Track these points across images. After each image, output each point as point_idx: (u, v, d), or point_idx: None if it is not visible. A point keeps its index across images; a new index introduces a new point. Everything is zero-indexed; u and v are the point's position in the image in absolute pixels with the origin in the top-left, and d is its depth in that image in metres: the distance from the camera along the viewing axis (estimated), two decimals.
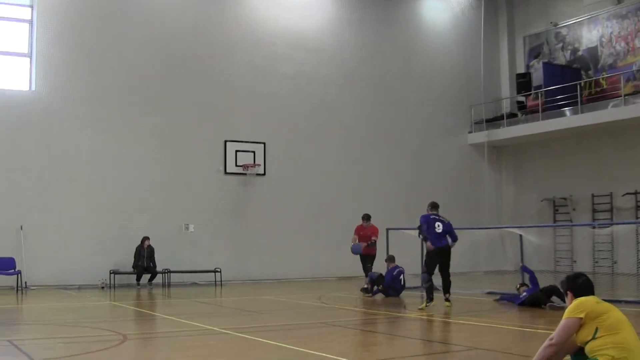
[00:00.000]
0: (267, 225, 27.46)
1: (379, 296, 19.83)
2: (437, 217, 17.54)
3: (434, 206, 17.96)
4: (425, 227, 17.43)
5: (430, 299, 16.88)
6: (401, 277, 20.00)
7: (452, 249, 17.56)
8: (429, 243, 17.24)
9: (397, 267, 20.16)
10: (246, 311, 16.89)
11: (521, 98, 32.69)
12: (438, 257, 17.22)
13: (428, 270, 17.33)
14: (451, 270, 17.34)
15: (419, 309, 16.56)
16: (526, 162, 33.13)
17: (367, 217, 21.39)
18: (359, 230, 21.23)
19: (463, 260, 27.29)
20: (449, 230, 17.44)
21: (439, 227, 17.34)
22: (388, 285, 19.81)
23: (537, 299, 16.29)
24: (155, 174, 25.63)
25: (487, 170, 32.76)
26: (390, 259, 20.61)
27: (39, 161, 24.00)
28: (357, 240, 20.92)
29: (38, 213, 23.78)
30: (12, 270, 22.44)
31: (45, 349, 10.86)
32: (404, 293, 20.12)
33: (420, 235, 17.99)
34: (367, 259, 21.06)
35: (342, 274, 21.56)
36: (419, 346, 11.78)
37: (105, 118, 25.03)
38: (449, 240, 17.38)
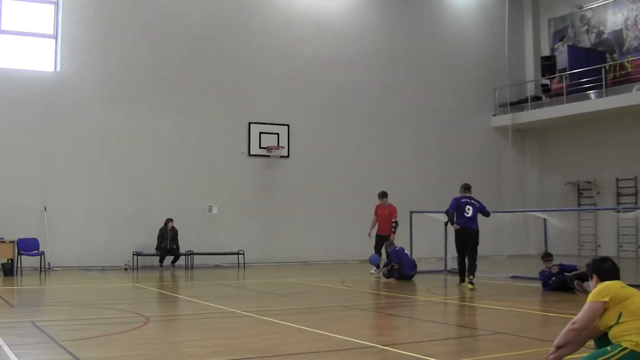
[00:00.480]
0: (290, 208, 27.46)
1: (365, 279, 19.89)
2: (468, 200, 17.45)
3: (467, 188, 17.88)
4: (453, 212, 17.39)
5: (461, 280, 17.53)
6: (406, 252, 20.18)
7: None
8: (455, 224, 17.25)
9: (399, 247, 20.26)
10: (269, 294, 16.89)
11: (545, 81, 32.47)
12: (463, 238, 17.21)
13: (457, 251, 17.58)
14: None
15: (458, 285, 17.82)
16: (550, 145, 32.93)
17: (383, 195, 21.36)
18: (377, 210, 21.27)
19: (486, 244, 27.29)
20: (480, 211, 17.39)
21: (469, 212, 17.29)
22: (405, 263, 19.78)
23: (565, 284, 16.14)
24: (179, 156, 25.67)
25: (511, 154, 32.58)
26: (390, 244, 20.49)
27: (63, 142, 24.08)
28: (376, 223, 20.99)
29: (62, 194, 23.89)
30: (36, 251, 22.56)
31: (68, 331, 10.89)
32: (424, 277, 20.11)
33: (447, 220, 18.11)
34: (385, 238, 21.04)
35: (366, 257, 21.52)
36: (441, 330, 11.72)
37: (129, 99, 25.07)
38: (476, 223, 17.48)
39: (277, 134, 27.36)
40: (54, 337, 9.91)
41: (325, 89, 28.50)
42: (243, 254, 25.35)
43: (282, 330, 10.98)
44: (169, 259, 24.45)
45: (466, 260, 17.47)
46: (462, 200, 17.45)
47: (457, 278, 18.50)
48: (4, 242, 21.75)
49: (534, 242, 28.59)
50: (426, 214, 22.81)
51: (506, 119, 32.04)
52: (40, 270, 22.49)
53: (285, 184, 27.54)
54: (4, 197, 23.08)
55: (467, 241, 17.31)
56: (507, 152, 32.54)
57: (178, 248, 24.45)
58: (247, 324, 11.70)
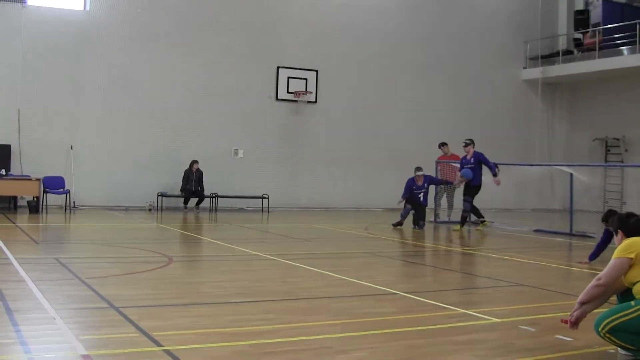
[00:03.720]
0: (316, 154, 27.40)
1: (427, 228, 19.82)
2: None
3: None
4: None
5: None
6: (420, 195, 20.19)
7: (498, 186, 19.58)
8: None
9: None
10: (292, 238, 16.92)
11: (578, 35, 32.00)
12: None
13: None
14: (498, 205, 17.54)
15: (477, 229, 19.57)
16: (580, 100, 32.56)
17: (443, 144, 22.25)
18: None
19: (510, 197, 27.26)
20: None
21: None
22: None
23: None
24: (206, 98, 25.60)
25: (540, 107, 32.24)
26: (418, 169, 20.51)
27: (91, 81, 24.07)
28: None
29: (88, 134, 23.96)
30: (61, 190, 22.67)
31: (91, 268, 10.96)
32: (448, 227, 20.12)
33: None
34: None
35: (390, 205, 21.48)
36: (463, 280, 11.70)
37: (158, 40, 24.96)
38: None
39: (305, 79, 27.20)
40: (78, 274, 9.98)
41: (355, 36, 28.21)
42: (267, 198, 25.39)
43: (304, 274, 11.02)
44: (193, 201, 24.54)
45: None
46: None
47: (481, 229, 19.35)
48: (30, 179, 21.88)
49: (560, 196, 28.49)
50: (453, 164, 22.68)
51: (536, 73, 31.65)
52: (65, 209, 22.63)
53: (312, 130, 27.44)
54: (31, 136, 23.14)
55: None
56: (536, 106, 32.19)
57: (203, 190, 24.50)
58: (270, 267, 11.75)
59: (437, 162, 22.79)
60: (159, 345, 6.30)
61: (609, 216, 12.79)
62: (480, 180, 19.74)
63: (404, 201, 20.07)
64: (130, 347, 6.27)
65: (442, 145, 22.91)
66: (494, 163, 19.84)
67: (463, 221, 19.74)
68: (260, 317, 7.71)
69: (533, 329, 7.32)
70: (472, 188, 19.72)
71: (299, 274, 11.06)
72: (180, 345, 6.30)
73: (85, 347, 6.11)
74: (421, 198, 20.00)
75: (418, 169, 20.24)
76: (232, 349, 6.36)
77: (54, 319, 7.17)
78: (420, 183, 20.06)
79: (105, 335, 6.66)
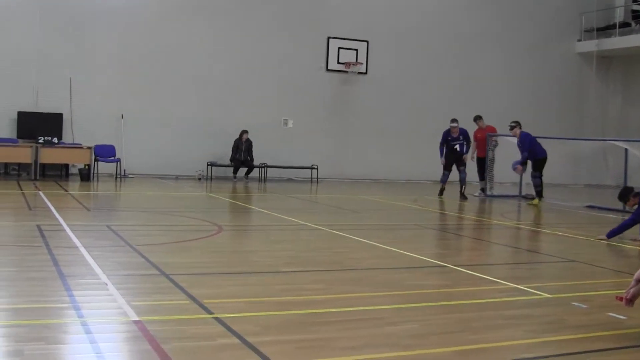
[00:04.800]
0: (366, 125, 27.30)
1: (476, 202, 19.71)
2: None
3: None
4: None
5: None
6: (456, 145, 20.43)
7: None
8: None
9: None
10: (341, 209, 16.90)
11: (636, 7, 31.41)
12: None
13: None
14: (551, 180, 17.44)
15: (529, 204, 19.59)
16: (636, 74, 32.00)
17: (478, 117, 21.96)
18: (476, 134, 21.95)
19: (563, 172, 26.96)
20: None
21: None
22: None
23: None
24: (256, 68, 25.61)
25: (594, 81, 31.77)
26: (453, 120, 20.48)
27: (142, 50, 24.18)
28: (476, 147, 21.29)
29: (139, 102, 24.09)
30: (112, 158, 22.89)
31: (142, 236, 11.04)
32: (499, 201, 20.03)
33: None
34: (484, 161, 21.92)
35: (438, 178, 21.32)
36: (514, 254, 11.60)
37: (209, 9, 24.96)
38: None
39: (356, 49, 27.09)
40: (129, 241, 10.06)
41: (406, 5, 27.99)
42: (317, 168, 25.40)
43: (353, 245, 11.00)
44: (242, 171, 24.62)
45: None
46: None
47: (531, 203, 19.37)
48: (82, 148, 22.13)
49: (613, 172, 28.10)
50: (504, 137, 22.45)
51: (591, 45, 31.15)
52: (116, 177, 22.86)
53: (362, 101, 27.33)
54: (82, 105, 23.33)
55: None
56: (591, 80, 31.72)
57: (252, 160, 24.57)
58: (319, 237, 11.75)
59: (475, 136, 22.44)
60: (209, 312, 6.32)
61: (628, 193, 12.61)
62: (544, 152, 19.62)
63: (444, 163, 20.33)
64: (180, 313, 6.30)
65: (478, 118, 22.52)
66: (524, 155, 19.75)
67: (539, 195, 19.73)
68: (310, 286, 7.72)
69: (585, 306, 7.23)
70: (538, 161, 19.61)
71: (347, 244, 11.04)
72: (230, 314, 6.32)
73: (137, 312, 6.15)
74: (457, 148, 20.15)
75: (453, 120, 20.23)
76: (282, 317, 6.37)
77: (106, 284, 7.24)
78: (455, 134, 20.18)
79: (156, 301, 6.71)
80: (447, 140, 20.35)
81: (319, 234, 12.09)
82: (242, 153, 24.38)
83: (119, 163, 22.92)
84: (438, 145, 20.63)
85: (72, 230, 10.86)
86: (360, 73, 27.13)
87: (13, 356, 4.98)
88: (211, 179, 24.26)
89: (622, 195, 12.74)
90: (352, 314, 6.54)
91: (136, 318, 5.99)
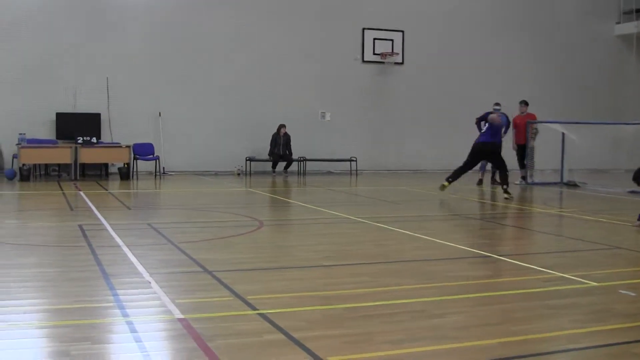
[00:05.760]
0: (404, 116, 27.18)
1: (517, 190, 19.55)
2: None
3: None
4: None
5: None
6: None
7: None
8: None
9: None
10: (381, 201, 16.86)
11: None
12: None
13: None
14: (589, 166, 17.19)
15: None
16: None
17: (525, 103, 22.23)
18: (516, 120, 21.85)
19: (603, 157, 26.69)
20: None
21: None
22: None
23: None
24: (292, 61, 25.52)
25: (634, 64, 31.35)
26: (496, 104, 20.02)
27: (179, 47, 24.24)
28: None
29: (176, 100, 24.14)
30: (151, 156, 23.01)
31: (184, 233, 11.09)
32: (541, 188, 19.85)
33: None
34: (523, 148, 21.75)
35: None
36: (557, 242, 11.48)
37: (240, 4, 24.93)
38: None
39: (392, 40, 26.96)
40: (171, 239, 10.10)
41: None
42: (355, 160, 25.36)
43: (395, 237, 10.96)
44: (281, 165, 24.63)
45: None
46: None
47: (573, 191, 19.32)
48: (121, 146, 22.25)
49: None
50: (543, 124, 22.27)
51: (631, 27, 30.65)
52: (155, 175, 22.97)
53: (399, 92, 27.21)
54: (119, 104, 23.44)
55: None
56: (630, 63, 31.30)
57: (290, 154, 24.57)
58: (361, 230, 11.71)
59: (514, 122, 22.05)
60: (253, 308, 6.32)
61: None
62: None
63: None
64: (225, 310, 6.31)
65: (524, 104, 22.17)
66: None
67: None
68: (353, 280, 7.70)
69: (633, 294, 7.14)
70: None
71: (389, 236, 11.00)
72: (275, 309, 6.31)
73: (181, 310, 6.17)
74: None
75: (496, 103, 19.77)
76: (326, 312, 6.35)
77: (149, 283, 7.27)
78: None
79: (200, 299, 6.72)
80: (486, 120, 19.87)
81: (360, 226, 12.05)
82: (281, 147, 24.39)
83: (157, 161, 23.04)
84: (475, 135, 20.26)
85: (113, 229, 10.92)
86: (396, 63, 27.02)
87: (60, 356, 5.01)
88: (250, 174, 24.30)
89: (638, 176, 12.48)
90: (397, 307, 6.51)
91: (181, 316, 6.01)
